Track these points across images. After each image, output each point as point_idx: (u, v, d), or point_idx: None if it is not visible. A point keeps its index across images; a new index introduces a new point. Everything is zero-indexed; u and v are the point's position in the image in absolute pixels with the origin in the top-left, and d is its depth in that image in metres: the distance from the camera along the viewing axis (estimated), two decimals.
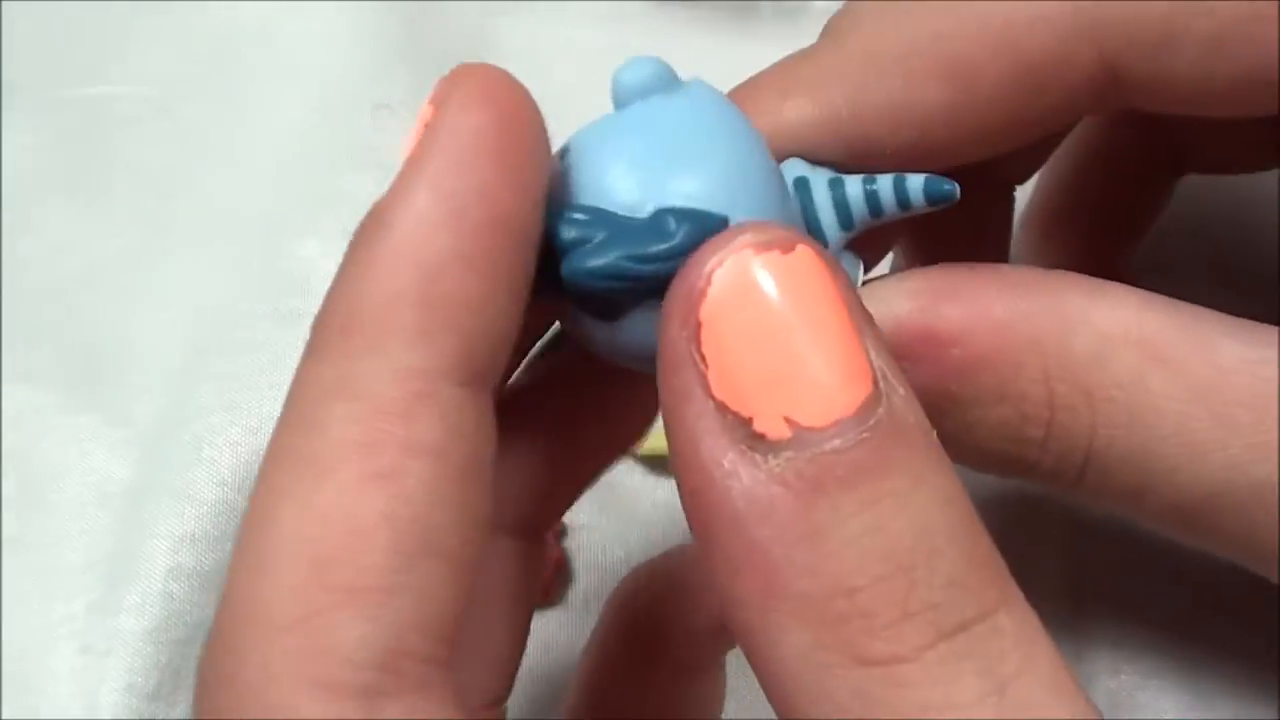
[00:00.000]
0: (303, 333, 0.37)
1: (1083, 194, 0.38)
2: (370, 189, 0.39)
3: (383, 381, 0.21)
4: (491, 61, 0.24)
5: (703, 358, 0.21)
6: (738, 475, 0.20)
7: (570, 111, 0.24)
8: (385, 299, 0.21)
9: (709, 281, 0.21)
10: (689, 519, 0.22)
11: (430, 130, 0.22)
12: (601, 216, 0.23)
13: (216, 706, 0.21)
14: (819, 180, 0.26)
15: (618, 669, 0.32)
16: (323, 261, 0.43)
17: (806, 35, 0.29)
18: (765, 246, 0.21)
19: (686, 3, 0.49)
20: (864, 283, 0.28)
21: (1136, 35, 0.26)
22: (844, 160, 0.27)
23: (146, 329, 0.44)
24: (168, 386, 0.43)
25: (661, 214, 0.23)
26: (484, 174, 0.22)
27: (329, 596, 0.20)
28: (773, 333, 0.21)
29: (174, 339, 0.43)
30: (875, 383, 0.21)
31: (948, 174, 0.27)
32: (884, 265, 0.34)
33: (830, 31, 0.28)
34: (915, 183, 0.26)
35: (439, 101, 0.22)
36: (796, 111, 0.27)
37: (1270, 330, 0.26)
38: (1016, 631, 0.21)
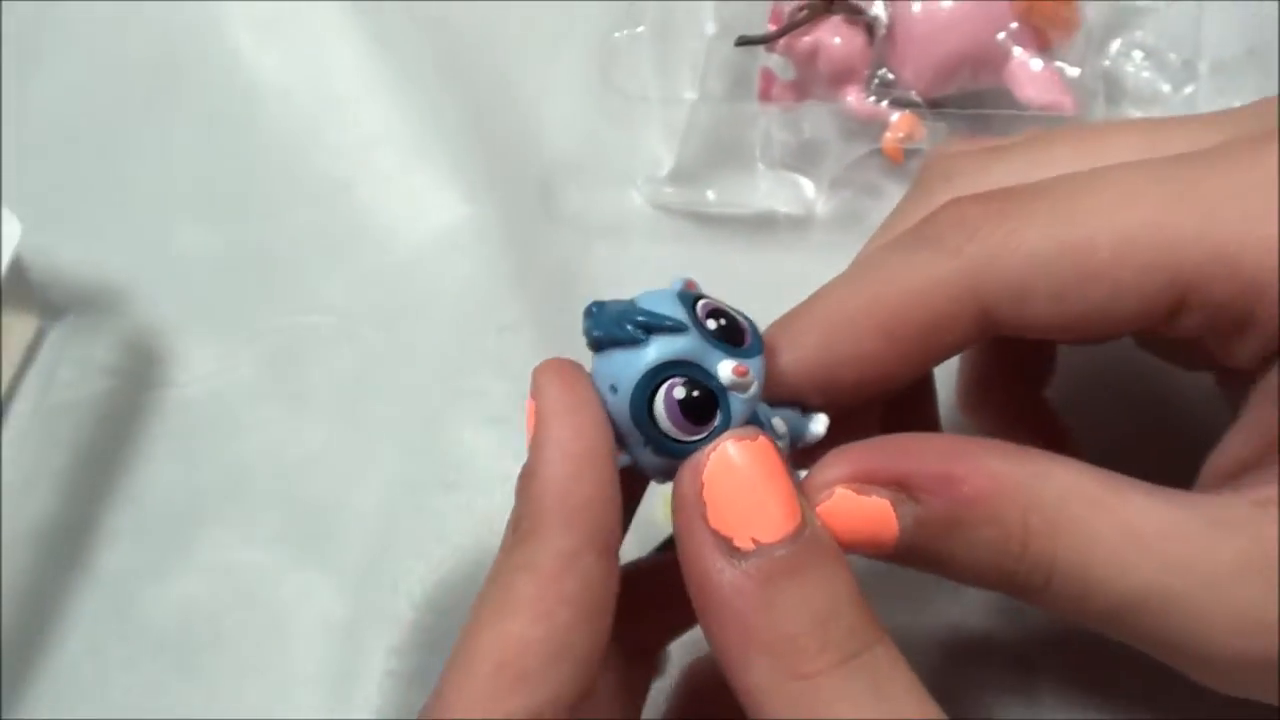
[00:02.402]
0: (463, 498, 0.50)
1: (993, 357, 0.45)
2: (502, 391, 0.52)
3: (546, 558, 0.31)
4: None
5: (704, 503, 0.31)
6: (724, 572, 0.31)
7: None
8: (541, 511, 0.31)
9: (708, 457, 0.32)
10: (693, 601, 0.32)
11: (540, 415, 0.33)
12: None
13: None
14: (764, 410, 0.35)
15: None
16: (473, 445, 0.53)
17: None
18: (739, 438, 0.32)
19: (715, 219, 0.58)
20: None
21: (1003, 292, 0.34)
22: (817, 392, 0.36)
23: (351, 500, 0.53)
24: (369, 543, 0.52)
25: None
26: (580, 432, 0.32)
27: (506, 683, 0.30)
28: (743, 489, 0.31)
29: (371, 506, 0.53)
30: (802, 516, 0.31)
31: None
32: None
33: (814, 296, 0.37)
34: (798, 421, 0.36)
35: (537, 392, 0.33)
36: (787, 359, 0.36)
37: (1167, 490, 0.34)
38: (888, 656, 0.31)
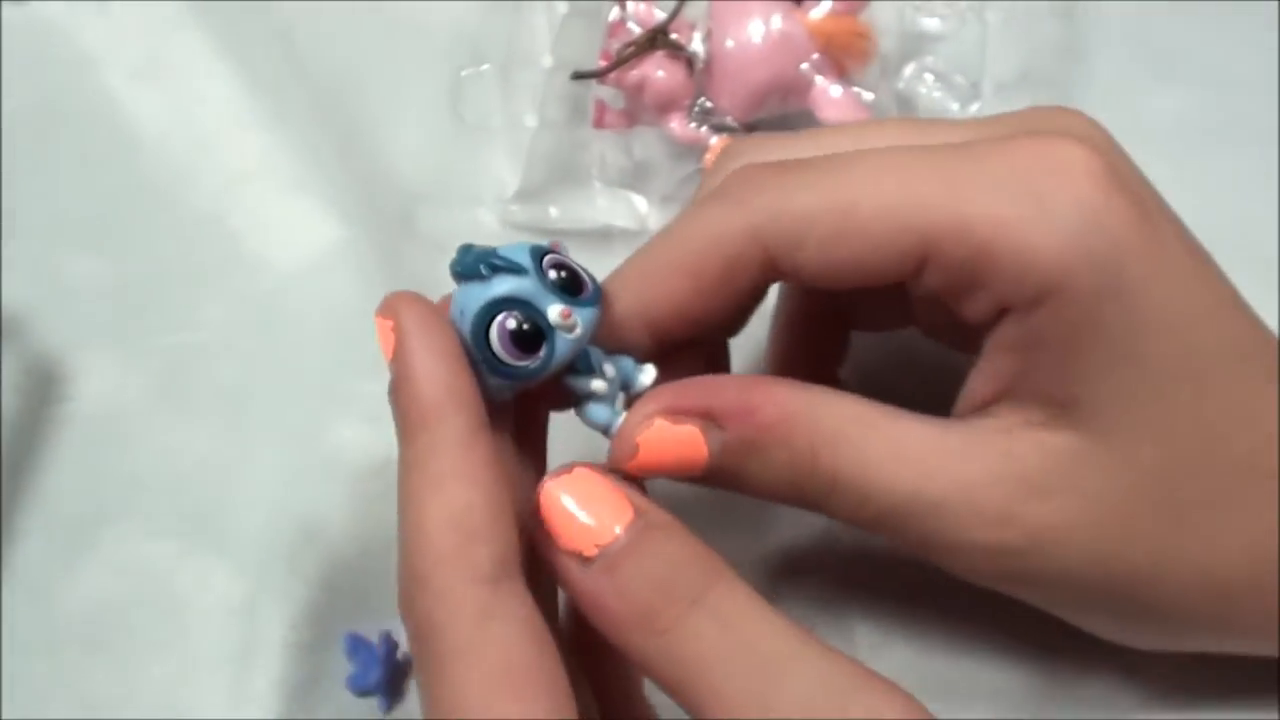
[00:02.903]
0: (345, 487, 0.54)
1: (794, 342, 0.50)
2: (376, 392, 0.53)
3: (452, 434, 0.35)
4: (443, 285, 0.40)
5: (550, 534, 0.37)
6: (584, 579, 0.36)
7: None
8: (431, 401, 0.35)
9: (539, 500, 0.37)
10: (578, 608, 0.37)
11: (399, 331, 0.36)
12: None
13: (417, 609, 0.34)
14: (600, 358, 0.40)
15: None
16: (352, 440, 0.57)
17: None
18: (554, 476, 0.37)
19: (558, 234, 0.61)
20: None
21: (781, 239, 0.39)
22: (643, 332, 0.41)
23: (242, 495, 0.56)
24: (262, 531, 0.56)
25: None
26: (446, 337, 0.37)
27: (465, 540, 0.34)
28: (573, 514, 0.37)
29: (261, 499, 0.56)
30: (634, 510, 0.37)
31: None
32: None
33: (635, 252, 0.42)
34: (630, 370, 0.41)
35: (396, 313, 0.37)
36: (617, 307, 0.40)
37: (931, 417, 0.40)
38: (728, 591, 0.36)
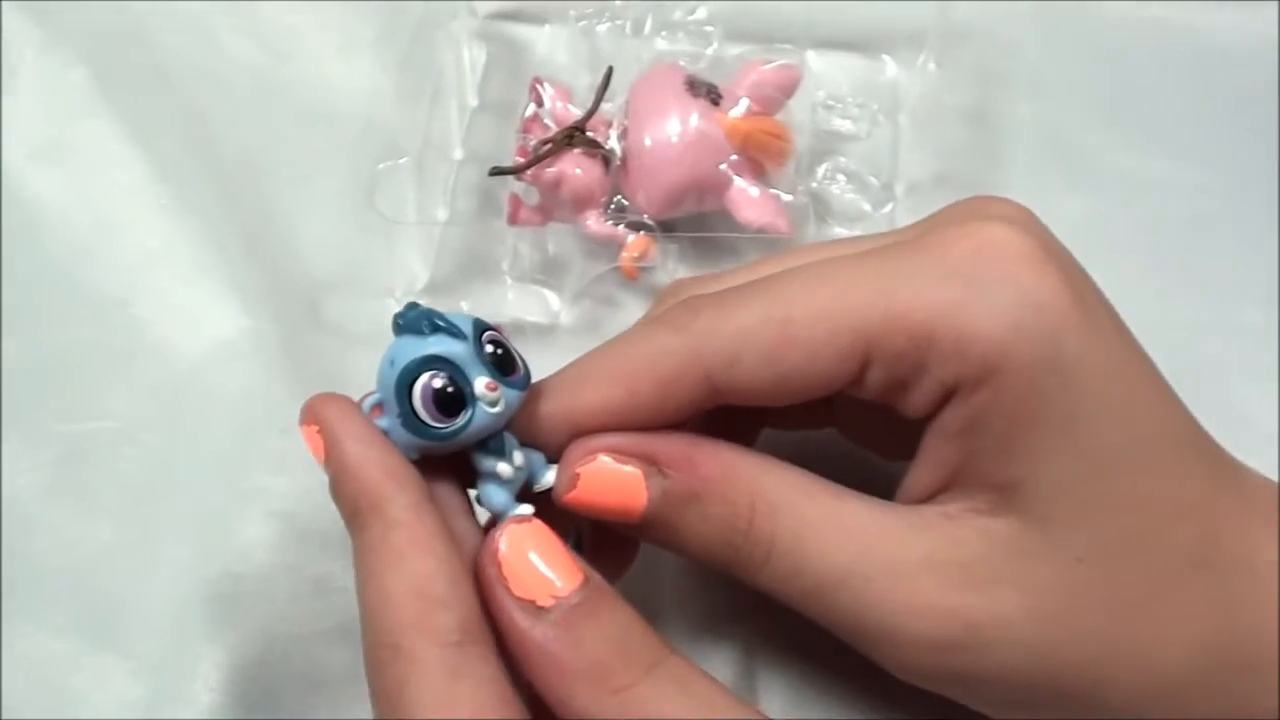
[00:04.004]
0: (251, 586, 0.53)
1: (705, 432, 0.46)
2: (283, 487, 0.56)
3: (401, 513, 0.37)
4: (352, 388, 0.41)
5: (505, 578, 0.37)
6: (535, 628, 0.36)
7: None
8: (372, 488, 0.37)
9: (497, 542, 0.38)
10: (515, 657, 0.37)
11: (326, 432, 0.39)
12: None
13: (386, 676, 0.35)
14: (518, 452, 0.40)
15: None
16: (258, 537, 0.56)
17: (559, 347, 0.45)
18: (519, 521, 0.38)
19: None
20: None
21: (719, 358, 0.40)
22: (568, 433, 0.41)
23: (143, 591, 0.55)
24: (163, 630, 0.54)
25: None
26: (370, 431, 0.39)
27: (429, 606, 0.36)
28: (534, 561, 0.37)
29: (163, 597, 0.55)
30: (584, 574, 0.37)
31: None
32: None
33: (570, 363, 0.42)
34: (538, 465, 0.42)
35: (320, 417, 0.39)
36: (546, 405, 0.41)
37: (874, 498, 0.40)
38: (682, 663, 0.37)
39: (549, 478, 0.41)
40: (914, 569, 0.39)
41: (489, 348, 0.40)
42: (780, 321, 0.39)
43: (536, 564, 0.38)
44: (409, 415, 0.39)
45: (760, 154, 0.60)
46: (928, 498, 0.41)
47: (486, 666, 0.36)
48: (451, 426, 0.39)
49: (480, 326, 0.40)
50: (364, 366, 0.55)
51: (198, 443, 0.59)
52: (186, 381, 0.61)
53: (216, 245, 0.64)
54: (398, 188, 0.63)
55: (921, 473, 0.41)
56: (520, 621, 0.37)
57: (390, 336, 0.41)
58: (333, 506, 0.40)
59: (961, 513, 0.39)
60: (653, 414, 0.41)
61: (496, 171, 0.60)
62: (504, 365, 0.40)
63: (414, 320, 0.39)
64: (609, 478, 0.40)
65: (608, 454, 0.40)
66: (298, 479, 0.56)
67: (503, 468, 0.40)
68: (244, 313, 0.62)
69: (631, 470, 0.40)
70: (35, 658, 0.55)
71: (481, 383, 0.39)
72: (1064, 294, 0.38)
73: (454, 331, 0.39)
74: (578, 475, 0.40)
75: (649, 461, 0.40)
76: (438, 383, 0.39)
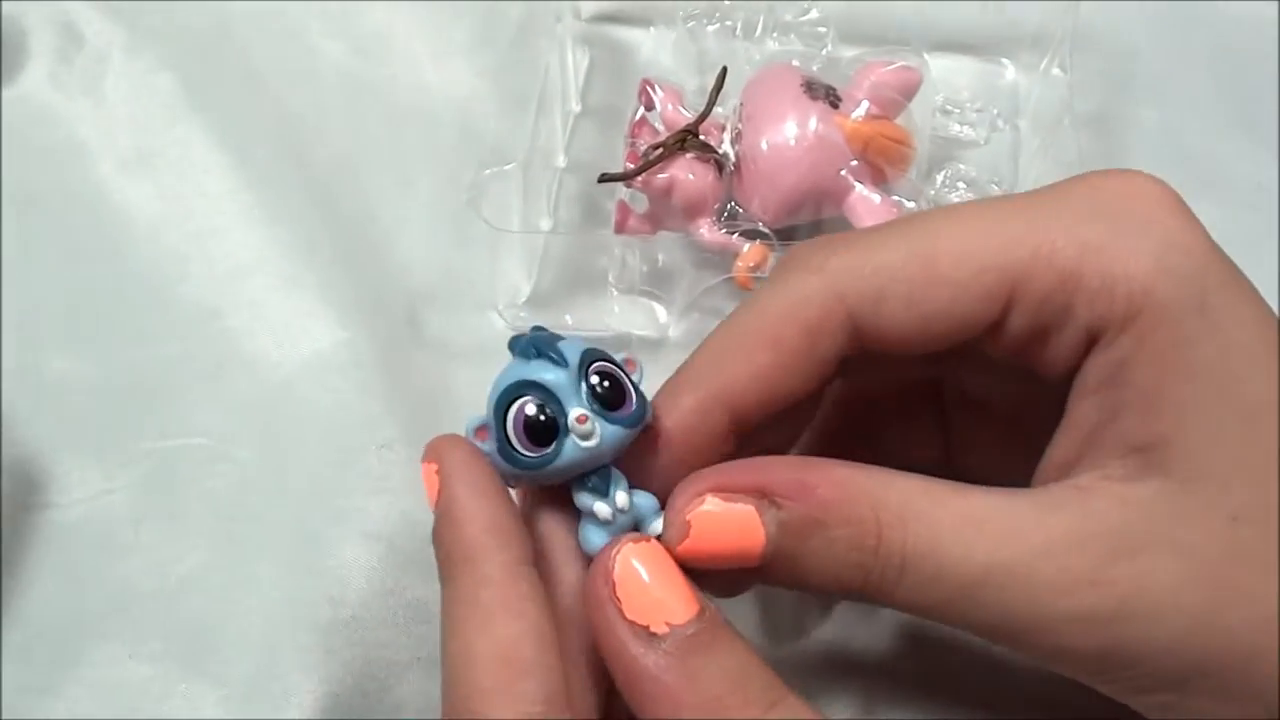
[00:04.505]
0: (346, 613, 0.52)
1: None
2: (380, 508, 0.54)
3: (496, 571, 0.36)
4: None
5: (618, 599, 0.36)
6: (647, 656, 0.35)
7: None
8: (474, 539, 0.36)
9: (614, 560, 0.36)
10: (620, 684, 0.36)
11: (443, 475, 0.37)
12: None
13: None
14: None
15: None
16: (354, 561, 0.54)
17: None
18: (635, 540, 0.36)
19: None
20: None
21: (863, 298, 0.39)
22: (726, 417, 0.39)
23: (234, 617, 0.54)
24: (255, 659, 0.53)
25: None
26: (489, 478, 0.37)
27: (514, 674, 0.34)
28: (650, 584, 0.36)
29: (254, 623, 0.53)
30: (700, 602, 0.36)
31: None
32: None
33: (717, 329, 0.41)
34: (648, 509, 0.39)
35: (440, 456, 0.37)
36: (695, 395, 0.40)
37: (996, 488, 0.38)
38: (800, 702, 0.35)
39: (657, 525, 0.39)
40: (1057, 548, 0.36)
41: (594, 379, 0.38)
42: (925, 258, 0.39)
43: (653, 587, 0.36)
44: (503, 441, 0.38)
45: (882, 159, 0.58)
46: (1065, 468, 0.39)
47: None
48: (540, 457, 0.37)
49: (591, 356, 0.38)
50: (463, 381, 0.58)
51: (291, 460, 0.58)
52: (280, 396, 0.60)
53: (310, 255, 0.63)
54: (501, 195, 0.61)
55: (1059, 445, 0.39)
56: (632, 647, 0.35)
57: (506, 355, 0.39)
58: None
59: (1096, 483, 0.37)
60: (803, 374, 0.40)
61: (605, 178, 0.58)
62: (611, 399, 0.38)
63: (524, 345, 0.38)
64: (721, 520, 0.38)
65: (715, 493, 0.38)
66: (396, 499, 0.55)
67: (600, 507, 0.38)
68: (339, 324, 0.61)
69: (744, 508, 0.38)
70: (123, 684, 0.53)
71: (575, 414, 0.37)
72: (1207, 241, 0.37)
73: (555, 358, 0.38)
74: (688, 523, 0.38)
75: (760, 494, 0.38)
76: (530, 410, 0.37)
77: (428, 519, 0.38)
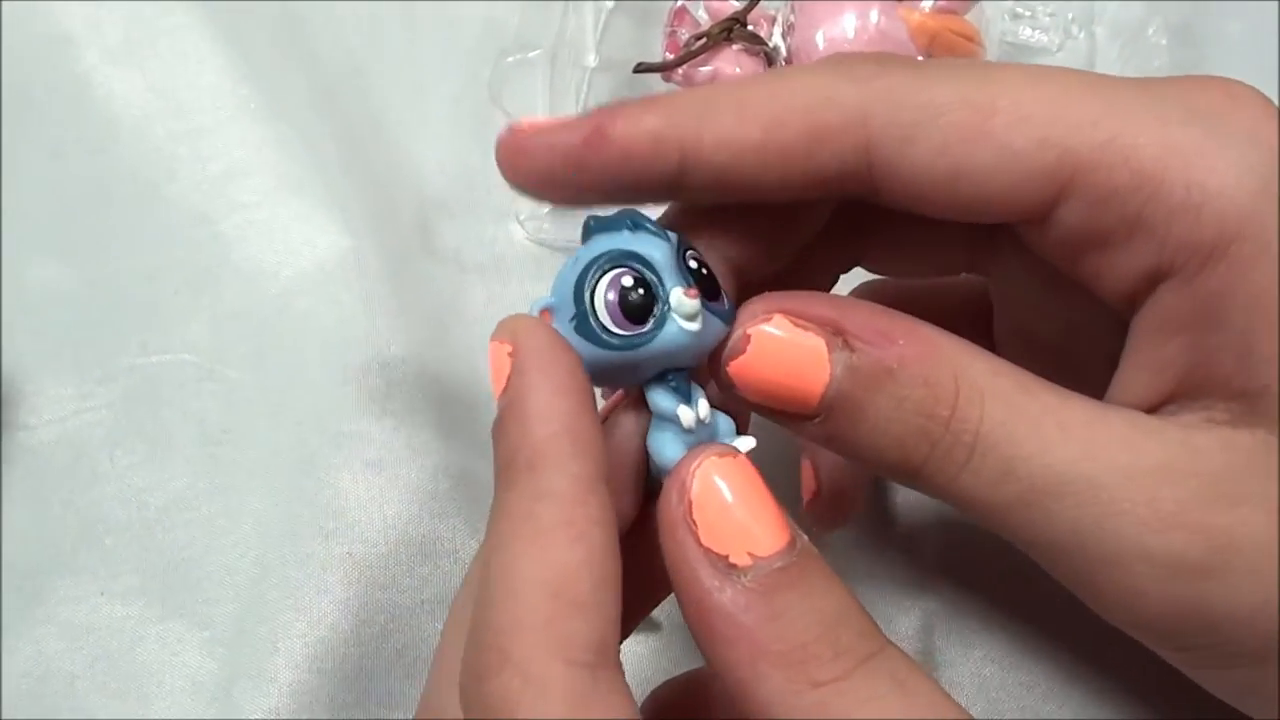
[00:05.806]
0: (342, 548, 0.48)
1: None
2: (387, 432, 0.50)
3: (565, 484, 0.30)
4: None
5: (694, 522, 0.31)
6: (724, 590, 0.31)
7: None
8: (545, 442, 0.31)
9: (692, 476, 0.32)
10: (690, 620, 0.32)
11: (517, 358, 0.31)
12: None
13: (488, 689, 0.29)
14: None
15: None
16: (353, 491, 0.51)
17: None
18: (720, 454, 0.32)
19: None
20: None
21: (891, 129, 0.34)
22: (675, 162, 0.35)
23: (219, 550, 0.51)
24: (241, 596, 0.50)
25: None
26: (571, 372, 0.32)
27: (564, 609, 0.29)
28: (733, 506, 0.31)
29: (242, 557, 0.51)
30: (791, 531, 0.31)
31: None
32: None
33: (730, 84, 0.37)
34: (727, 428, 0.35)
35: (515, 336, 0.32)
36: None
37: (1093, 400, 0.35)
38: (900, 655, 0.31)
39: (739, 445, 0.34)
40: (1149, 477, 0.33)
41: (692, 264, 0.34)
42: (981, 108, 0.34)
43: (736, 511, 0.32)
44: (585, 317, 0.33)
45: (949, 57, 0.54)
46: (1151, 408, 0.36)
47: (620, 702, 0.30)
48: (634, 335, 0.33)
49: (685, 243, 0.34)
50: (479, 298, 0.57)
51: (286, 380, 0.55)
52: (275, 310, 0.56)
53: (313, 155, 0.59)
54: (525, 90, 0.57)
55: (1137, 379, 0.36)
56: (706, 579, 0.31)
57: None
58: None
59: (1200, 422, 0.34)
60: (785, 173, 0.35)
61: (642, 68, 0.54)
62: (708, 288, 0.34)
63: (613, 220, 0.34)
64: (785, 348, 0.34)
65: (785, 315, 0.34)
66: (402, 424, 0.51)
67: (684, 411, 0.34)
68: (344, 232, 0.57)
69: (814, 340, 0.34)
70: (95, 625, 0.51)
71: (679, 292, 0.33)
72: None
73: (657, 232, 0.33)
74: (748, 337, 0.34)
75: (835, 330, 0.34)
76: (627, 280, 0.33)
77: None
